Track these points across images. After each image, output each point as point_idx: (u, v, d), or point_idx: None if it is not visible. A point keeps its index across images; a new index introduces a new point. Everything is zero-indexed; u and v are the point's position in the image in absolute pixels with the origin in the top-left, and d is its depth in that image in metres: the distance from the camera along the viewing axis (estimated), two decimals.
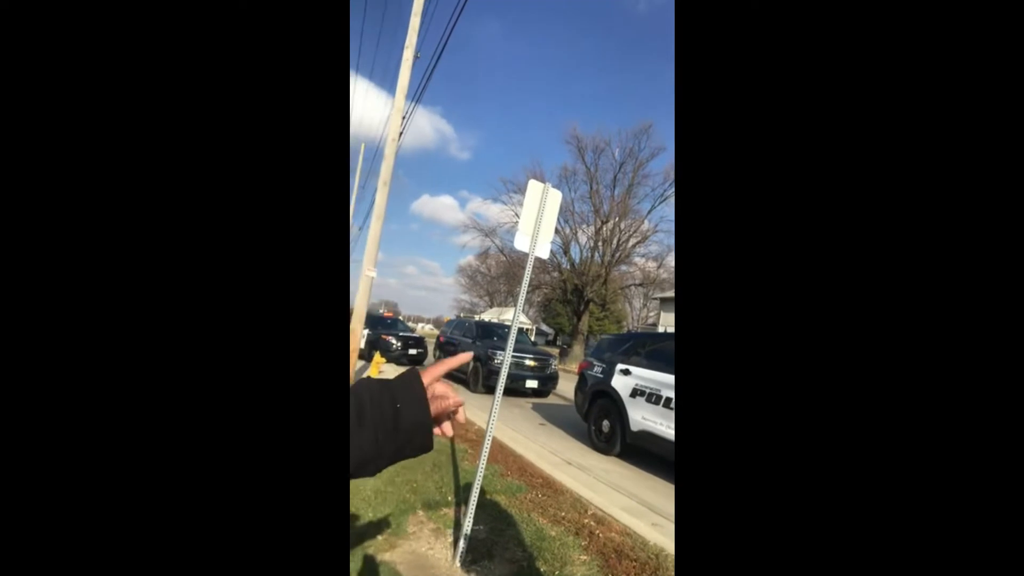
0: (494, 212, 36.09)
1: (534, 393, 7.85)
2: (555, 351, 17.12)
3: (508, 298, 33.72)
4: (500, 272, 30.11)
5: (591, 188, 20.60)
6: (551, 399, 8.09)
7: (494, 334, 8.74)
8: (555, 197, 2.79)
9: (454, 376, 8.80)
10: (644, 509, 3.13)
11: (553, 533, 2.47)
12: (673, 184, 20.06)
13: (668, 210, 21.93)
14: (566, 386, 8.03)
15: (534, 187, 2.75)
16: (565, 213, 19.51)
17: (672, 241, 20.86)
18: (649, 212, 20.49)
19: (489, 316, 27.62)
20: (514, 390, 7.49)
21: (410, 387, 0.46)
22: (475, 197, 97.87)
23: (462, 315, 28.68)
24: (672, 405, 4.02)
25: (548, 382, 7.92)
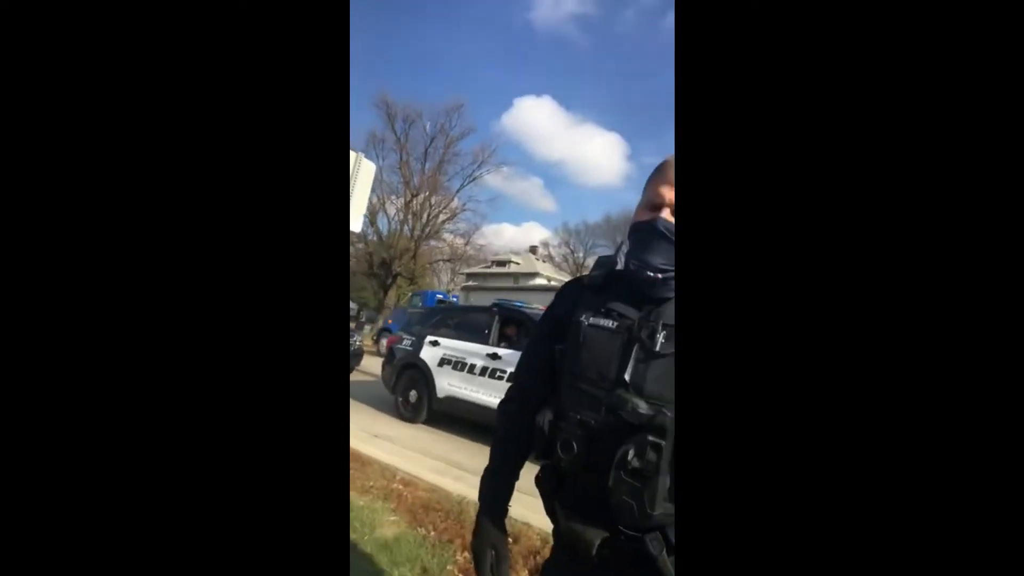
0: None
1: None
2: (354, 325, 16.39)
3: None
4: None
5: (401, 159, 20.08)
6: (353, 376, 7.82)
7: None
8: (368, 169, 2.72)
9: None
10: (450, 467, 3.42)
11: (362, 503, 2.50)
12: (481, 166, 21.12)
13: (477, 190, 23.04)
14: (371, 363, 7.87)
15: None
16: (373, 182, 18.52)
17: (479, 221, 22.08)
18: (459, 190, 21.13)
19: None
20: None
21: None
22: None
23: None
24: (475, 371, 4.41)
25: (352, 359, 7.61)
